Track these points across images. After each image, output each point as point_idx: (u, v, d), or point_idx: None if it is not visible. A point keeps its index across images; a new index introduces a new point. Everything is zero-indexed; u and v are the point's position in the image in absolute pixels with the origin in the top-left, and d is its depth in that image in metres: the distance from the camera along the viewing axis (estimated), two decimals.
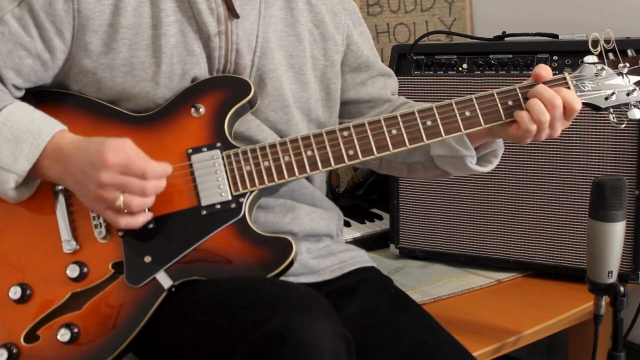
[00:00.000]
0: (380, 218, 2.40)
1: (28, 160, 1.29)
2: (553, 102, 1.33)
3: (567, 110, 1.34)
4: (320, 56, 1.55)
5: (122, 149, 1.26)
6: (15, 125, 1.30)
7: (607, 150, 1.86)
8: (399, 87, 2.03)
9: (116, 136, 1.36)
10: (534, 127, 1.34)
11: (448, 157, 1.47)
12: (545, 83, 1.36)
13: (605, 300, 1.55)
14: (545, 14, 2.32)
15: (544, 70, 1.38)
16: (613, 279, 1.52)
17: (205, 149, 1.36)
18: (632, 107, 1.39)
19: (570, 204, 1.91)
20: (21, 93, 1.41)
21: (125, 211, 1.27)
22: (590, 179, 1.82)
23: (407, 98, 2.01)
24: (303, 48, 1.52)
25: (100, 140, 1.28)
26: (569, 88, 1.37)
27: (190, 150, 1.37)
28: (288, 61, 1.50)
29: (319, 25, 1.55)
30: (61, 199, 1.36)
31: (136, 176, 1.25)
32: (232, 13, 1.42)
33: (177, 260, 1.33)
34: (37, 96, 1.42)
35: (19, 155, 1.29)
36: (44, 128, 1.31)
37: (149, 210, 1.32)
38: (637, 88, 1.38)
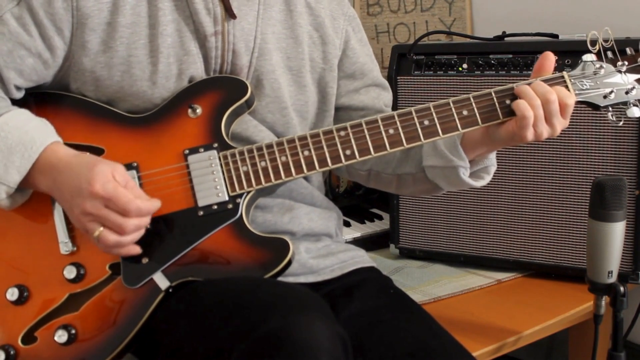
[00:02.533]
0: (380, 218, 2.39)
1: (19, 172, 1.29)
2: (547, 97, 1.32)
3: (561, 106, 1.33)
4: (320, 59, 1.55)
5: (110, 180, 1.25)
6: (8, 136, 1.30)
7: (607, 150, 1.85)
8: (399, 87, 2.04)
9: (115, 138, 1.37)
10: (530, 113, 1.31)
11: (441, 167, 1.46)
12: (543, 81, 1.36)
13: (605, 300, 1.55)
14: (545, 14, 2.32)
15: (547, 59, 1.37)
16: (613, 279, 1.52)
17: (202, 150, 1.36)
18: (631, 105, 1.38)
19: (570, 204, 1.91)
20: (21, 94, 1.41)
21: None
22: (590, 179, 1.82)
23: (407, 98, 2.03)
24: (302, 50, 1.52)
25: (90, 164, 1.27)
26: (567, 86, 1.36)
27: (187, 151, 1.36)
28: (286, 63, 1.50)
29: (319, 28, 1.55)
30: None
31: (118, 212, 1.25)
32: (229, 13, 1.42)
33: (174, 261, 1.33)
34: (35, 98, 1.43)
35: (10, 166, 1.29)
36: (35, 140, 1.30)
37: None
38: (636, 86, 1.38)
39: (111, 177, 1.25)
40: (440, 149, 1.44)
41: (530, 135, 1.34)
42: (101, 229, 1.25)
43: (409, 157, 1.52)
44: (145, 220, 1.29)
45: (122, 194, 1.24)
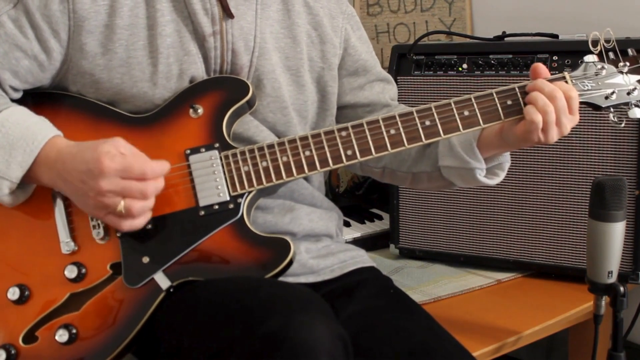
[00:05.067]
0: (380, 218, 2.40)
1: (21, 167, 1.29)
2: (553, 95, 1.32)
3: (567, 101, 1.33)
4: (318, 58, 1.55)
5: (117, 152, 1.25)
6: (9, 132, 1.30)
7: (607, 150, 1.86)
8: (399, 87, 2.04)
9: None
10: (539, 118, 1.32)
11: (457, 168, 1.46)
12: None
13: (605, 300, 1.55)
14: (545, 14, 2.32)
15: (541, 68, 1.37)
16: (613, 279, 1.52)
17: (204, 150, 1.36)
18: (633, 106, 1.39)
19: (570, 204, 1.91)
20: (19, 94, 1.41)
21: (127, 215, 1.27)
22: (590, 179, 1.82)
23: (407, 98, 2.04)
24: (300, 50, 1.52)
25: (93, 146, 1.27)
26: None
27: (188, 151, 1.36)
28: (284, 63, 1.50)
29: (317, 27, 1.55)
30: (59, 200, 1.36)
31: (136, 179, 1.25)
32: (227, 13, 1.42)
33: (176, 261, 1.33)
34: (35, 98, 1.43)
35: (12, 162, 1.29)
36: (37, 134, 1.30)
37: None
38: (638, 87, 1.38)
39: (116, 151, 1.25)
40: (456, 150, 1.44)
41: (541, 138, 1.34)
42: (122, 202, 1.25)
43: (425, 156, 1.52)
44: (161, 182, 1.29)
45: (134, 160, 1.25)
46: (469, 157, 1.43)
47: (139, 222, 1.29)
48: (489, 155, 1.46)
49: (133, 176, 1.25)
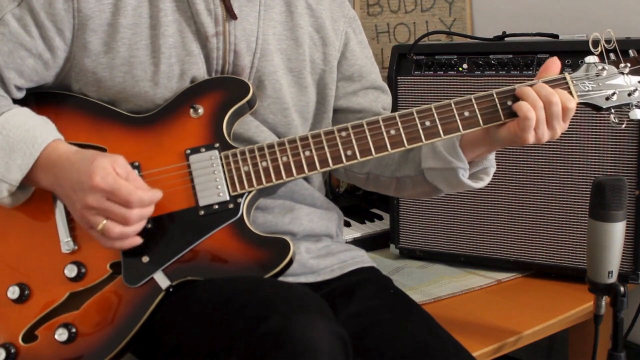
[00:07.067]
0: (380, 218, 2.39)
1: (21, 170, 1.30)
2: (549, 99, 1.32)
3: (562, 110, 1.33)
4: (320, 60, 1.55)
5: (111, 172, 1.25)
6: (10, 134, 1.30)
7: (607, 150, 1.86)
8: (399, 87, 2.04)
9: (116, 137, 1.37)
10: (532, 115, 1.31)
11: (440, 169, 1.45)
12: (545, 82, 1.35)
13: (605, 300, 1.55)
14: (546, 14, 2.32)
15: (554, 62, 1.37)
16: (613, 279, 1.52)
17: (204, 150, 1.36)
18: (634, 107, 1.38)
19: (570, 204, 1.91)
20: (22, 94, 1.42)
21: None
22: (590, 179, 1.82)
23: (407, 98, 2.04)
24: (302, 52, 1.52)
25: (90, 158, 1.27)
26: (569, 88, 1.36)
27: (188, 151, 1.36)
28: (287, 65, 1.50)
29: (320, 29, 1.55)
30: (59, 200, 1.36)
31: (120, 204, 1.25)
32: (230, 14, 1.42)
33: (175, 261, 1.33)
34: (37, 98, 1.43)
35: (12, 164, 1.29)
36: (37, 137, 1.31)
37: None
38: (639, 88, 1.38)
39: (111, 170, 1.25)
40: (439, 151, 1.44)
41: (531, 137, 1.33)
42: (104, 221, 1.25)
43: (408, 159, 1.52)
44: (149, 210, 1.29)
45: (123, 185, 1.24)
46: (451, 157, 1.43)
47: (118, 244, 1.29)
48: (474, 157, 1.45)
49: (117, 200, 1.24)
